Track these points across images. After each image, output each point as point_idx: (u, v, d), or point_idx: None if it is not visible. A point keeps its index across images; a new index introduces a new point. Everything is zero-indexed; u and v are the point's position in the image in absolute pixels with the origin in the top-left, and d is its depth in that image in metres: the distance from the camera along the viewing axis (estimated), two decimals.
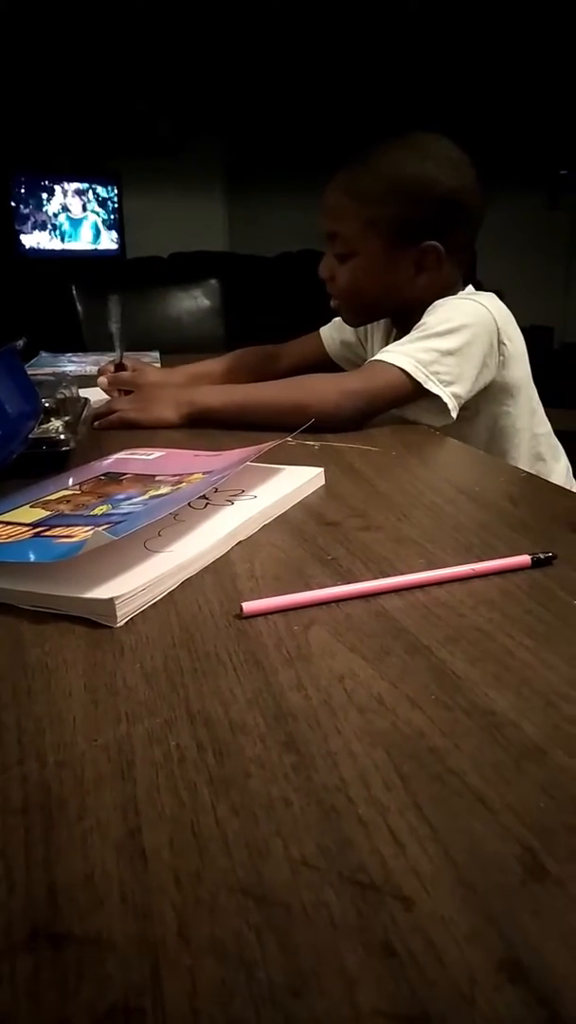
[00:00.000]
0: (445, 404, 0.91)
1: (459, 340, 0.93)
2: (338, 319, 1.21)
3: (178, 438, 0.90)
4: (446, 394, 0.91)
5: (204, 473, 0.64)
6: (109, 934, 0.23)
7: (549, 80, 4.71)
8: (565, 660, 0.38)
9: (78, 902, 0.24)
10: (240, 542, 0.55)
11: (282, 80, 4.37)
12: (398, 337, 1.06)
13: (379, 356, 0.94)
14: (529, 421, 1.05)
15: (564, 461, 1.11)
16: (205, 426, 0.94)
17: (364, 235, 1.00)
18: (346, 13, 4.02)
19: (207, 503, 0.60)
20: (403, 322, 1.06)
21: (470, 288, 1.07)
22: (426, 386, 0.91)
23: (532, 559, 0.49)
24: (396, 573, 0.48)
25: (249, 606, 0.44)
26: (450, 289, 1.03)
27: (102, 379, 1.13)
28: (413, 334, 0.96)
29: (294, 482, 0.65)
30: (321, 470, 0.69)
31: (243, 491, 0.63)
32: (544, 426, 1.08)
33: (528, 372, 1.04)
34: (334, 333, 1.25)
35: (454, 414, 0.92)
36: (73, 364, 1.49)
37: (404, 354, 0.92)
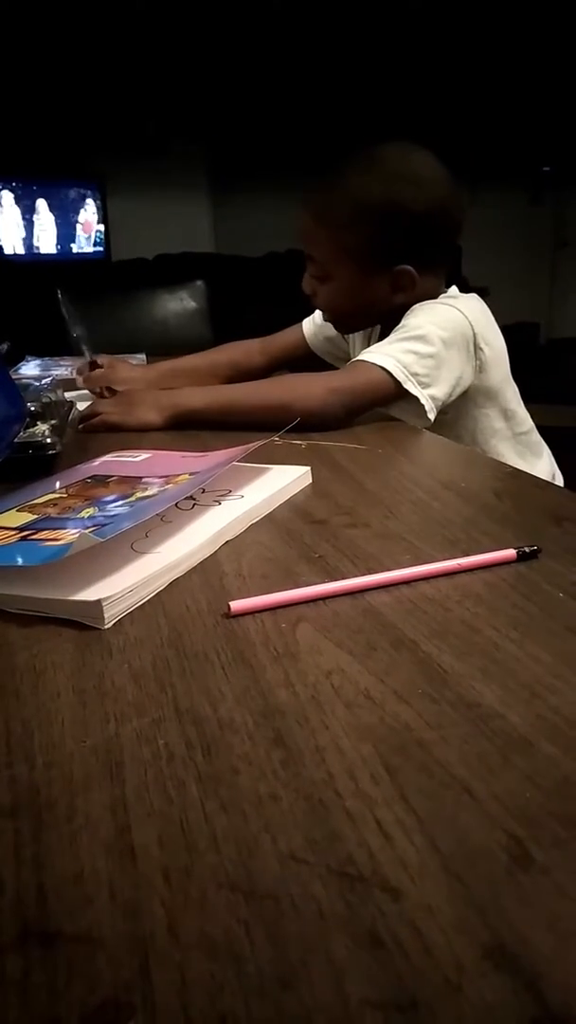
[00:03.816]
0: (423, 406, 0.92)
1: (436, 344, 0.94)
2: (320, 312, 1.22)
3: (165, 440, 0.90)
4: (424, 396, 0.92)
5: (191, 474, 0.64)
6: (99, 931, 0.23)
7: (531, 77, 4.73)
8: (550, 652, 0.38)
9: (68, 901, 0.24)
10: (227, 542, 0.55)
11: (266, 80, 4.38)
12: (380, 337, 1.06)
13: (362, 356, 0.94)
14: (509, 423, 1.05)
15: (546, 458, 1.12)
16: (191, 427, 0.95)
17: (337, 260, 1.00)
18: (331, 13, 4.02)
19: (194, 504, 0.60)
20: (386, 326, 1.06)
21: (453, 290, 1.08)
22: (405, 386, 0.91)
23: (517, 553, 0.49)
24: (383, 569, 0.48)
25: (237, 605, 0.44)
26: (430, 296, 1.03)
27: (78, 379, 1.15)
28: (393, 336, 0.97)
29: (281, 481, 0.66)
30: (308, 469, 0.69)
31: (230, 491, 0.63)
32: (524, 425, 1.08)
33: (507, 375, 1.05)
34: (316, 328, 1.25)
35: (431, 416, 0.93)
36: (59, 368, 1.49)
37: (386, 354, 0.93)
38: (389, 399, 0.94)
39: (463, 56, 4.56)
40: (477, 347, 0.98)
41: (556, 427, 1.35)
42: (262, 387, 1.00)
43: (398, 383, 0.91)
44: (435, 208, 0.97)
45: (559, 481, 1.13)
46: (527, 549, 0.49)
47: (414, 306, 1.00)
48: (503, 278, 5.19)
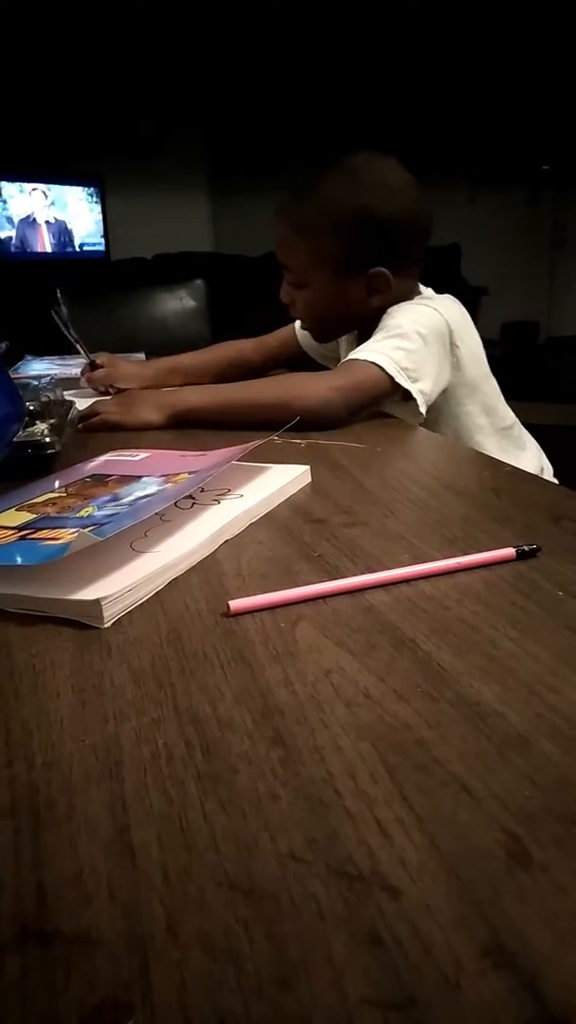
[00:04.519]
0: (415, 401, 0.94)
1: (417, 341, 0.96)
2: None
3: (164, 439, 0.90)
4: (415, 390, 0.94)
5: (190, 473, 0.64)
6: (98, 931, 0.23)
7: (530, 77, 4.73)
8: (549, 650, 0.38)
9: (67, 900, 0.25)
10: (227, 541, 0.55)
11: (265, 79, 4.37)
12: (359, 342, 1.08)
13: (353, 355, 0.96)
14: (490, 418, 1.07)
15: (532, 451, 1.14)
16: (190, 426, 0.95)
17: (312, 267, 1.03)
18: (331, 12, 4.02)
19: (193, 503, 0.60)
20: (364, 331, 1.09)
21: (428, 291, 1.10)
22: (398, 381, 0.93)
23: (516, 551, 0.49)
24: (382, 568, 0.48)
25: (236, 604, 0.44)
26: (406, 298, 1.05)
27: (82, 380, 1.18)
28: (378, 335, 0.98)
29: (280, 480, 0.66)
30: (307, 468, 0.69)
31: (229, 490, 0.63)
32: (507, 420, 1.10)
33: (486, 371, 1.07)
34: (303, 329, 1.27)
35: (423, 410, 0.95)
36: (58, 367, 1.49)
37: (377, 352, 0.94)
38: (385, 395, 0.96)
39: (463, 56, 4.56)
40: (453, 344, 1.00)
41: (555, 425, 1.36)
42: (262, 386, 1.01)
43: (392, 379, 0.93)
44: (404, 213, 1.00)
45: (548, 474, 1.15)
46: (526, 548, 0.49)
47: (392, 308, 1.02)
48: (502, 277, 5.20)
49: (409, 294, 1.06)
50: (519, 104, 4.95)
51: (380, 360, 0.93)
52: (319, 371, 1.00)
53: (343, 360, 0.98)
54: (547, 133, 5.19)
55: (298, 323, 1.27)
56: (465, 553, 0.49)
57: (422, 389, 0.95)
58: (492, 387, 1.08)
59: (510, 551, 0.49)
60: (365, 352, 0.95)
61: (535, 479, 0.73)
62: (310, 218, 1.01)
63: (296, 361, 1.28)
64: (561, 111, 4.93)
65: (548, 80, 4.75)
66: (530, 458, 1.13)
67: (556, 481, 1.16)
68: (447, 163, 5.46)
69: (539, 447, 1.15)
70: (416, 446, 0.87)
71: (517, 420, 1.12)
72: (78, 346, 1.20)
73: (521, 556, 0.49)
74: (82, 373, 1.22)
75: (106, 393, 1.16)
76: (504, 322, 5.44)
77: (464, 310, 1.06)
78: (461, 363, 1.01)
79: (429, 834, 0.26)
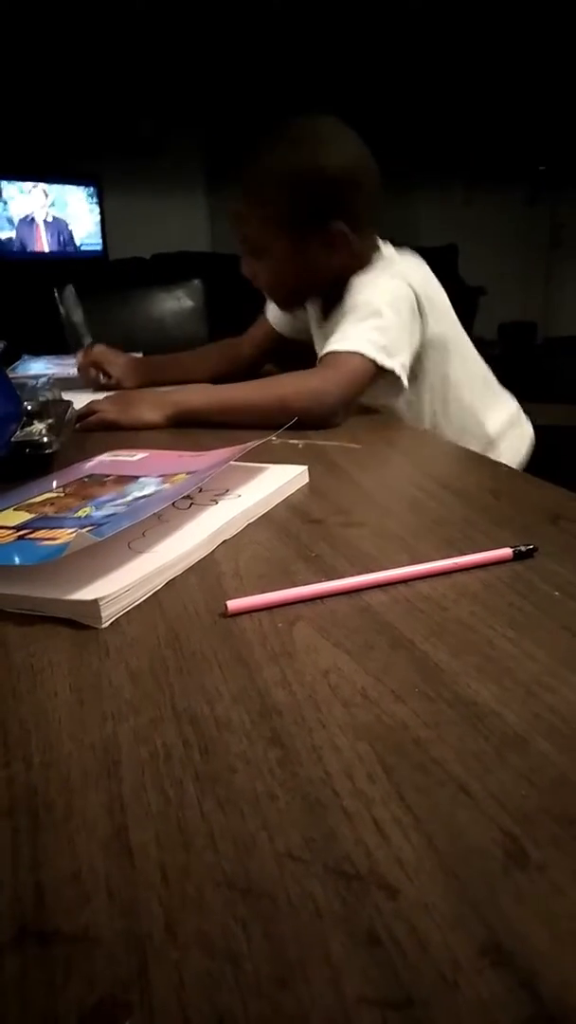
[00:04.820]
0: (397, 376, 0.96)
1: (388, 315, 0.98)
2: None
3: (162, 439, 0.90)
4: (396, 364, 0.96)
5: (188, 473, 0.64)
6: (96, 930, 0.23)
7: (528, 77, 4.73)
8: (546, 650, 0.39)
9: (65, 900, 0.25)
10: (225, 541, 0.55)
11: (264, 78, 4.37)
12: (323, 308, 1.12)
13: (332, 347, 0.97)
14: (466, 370, 1.11)
15: (507, 397, 1.19)
16: (188, 426, 0.95)
17: (268, 233, 1.04)
18: (330, 12, 4.02)
19: (191, 503, 0.60)
20: (328, 297, 1.11)
21: (387, 249, 1.11)
22: (380, 362, 0.95)
23: (514, 552, 0.49)
24: (379, 568, 0.48)
25: (234, 604, 0.44)
26: (368, 257, 1.07)
27: (77, 356, 1.22)
28: (351, 317, 1.00)
29: (278, 480, 0.66)
30: (305, 468, 0.69)
31: (227, 490, 0.63)
32: (482, 369, 1.15)
33: (455, 324, 1.10)
34: (277, 311, 1.30)
35: (406, 382, 0.98)
36: (56, 367, 1.49)
37: (354, 338, 0.96)
38: (371, 379, 0.98)
39: (461, 57, 4.57)
40: (421, 310, 1.03)
41: (554, 426, 1.36)
42: (259, 386, 1.02)
43: (375, 361, 0.95)
44: (349, 164, 1.01)
45: (528, 425, 1.20)
46: (523, 548, 0.49)
47: (354, 281, 1.04)
48: (500, 278, 5.20)
49: (369, 253, 1.08)
50: (516, 105, 4.96)
51: (361, 347, 0.95)
52: (308, 369, 1.01)
53: (323, 352, 0.99)
54: (544, 133, 5.20)
55: (266, 309, 1.31)
56: (462, 553, 0.49)
57: (403, 363, 0.98)
58: (464, 339, 1.12)
59: (507, 551, 0.49)
60: (344, 342, 0.96)
61: (532, 479, 0.73)
62: (256, 185, 1.02)
63: (282, 346, 1.31)
64: (558, 111, 4.94)
65: (545, 80, 4.75)
66: (509, 402, 1.18)
67: (532, 433, 1.20)
68: (444, 164, 5.47)
69: (516, 403, 1.21)
70: (413, 447, 0.87)
71: (490, 372, 1.17)
72: (78, 329, 1.23)
73: (518, 556, 0.49)
74: (77, 361, 1.26)
75: (97, 381, 1.18)
76: (501, 322, 5.45)
77: (425, 267, 1.09)
78: (431, 323, 1.04)
79: (427, 834, 0.27)
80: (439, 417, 1.12)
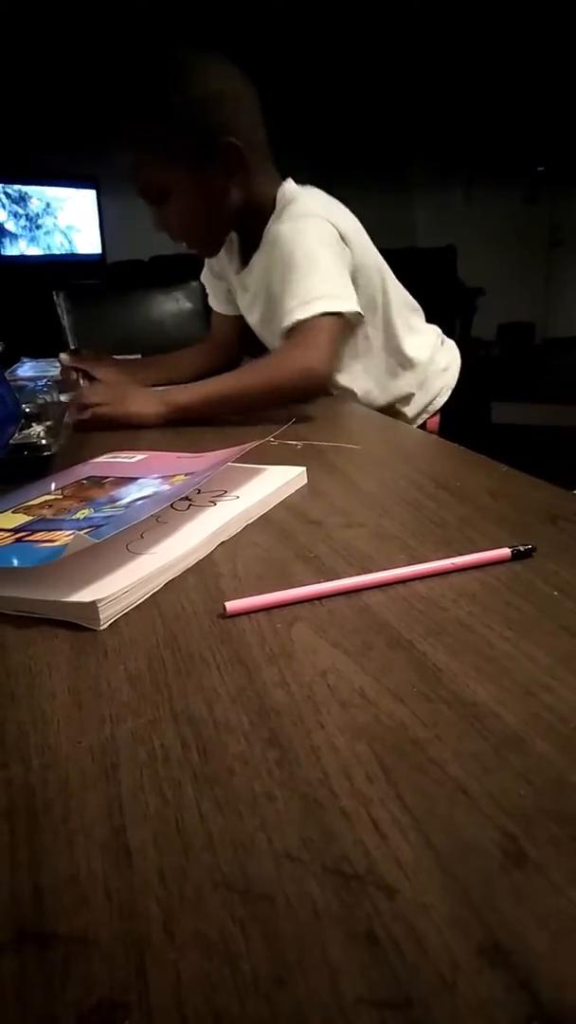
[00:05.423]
0: (355, 311, 1.00)
1: (324, 258, 1.01)
2: (207, 287, 1.33)
3: (160, 440, 0.90)
4: (351, 302, 1.00)
5: (187, 475, 0.64)
6: (95, 932, 0.23)
7: (527, 77, 4.74)
8: (544, 650, 0.39)
9: (63, 902, 0.25)
10: (223, 542, 0.55)
11: (262, 79, 4.37)
12: (240, 249, 1.14)
13: (296, 316, 0.99)
14: (396, 291, 1.16)
15: (433, 327, 1.26)
16: (183, 423, 0.95)
17: (164, 173, 1.05)
18: (330, 13, 4.02)
19: (190, 504, 0.60)
20: (245, 229, 1.13)
21: (288, 185, 1.11)
22: (342, 309, 0.98)
23: (512, 552, 0.49)
24: (378, 569, 0.48)
25: (232, 605, 0.44)
26: (268, 193, 1.08)
27: (62, 357, 1.24)
28: (291, 275, 1.01)
29: (276, 482, 0.66)
30: (303, 469, 0.69)
31: (226, 492, 0.63)
32: (405, 292, 1.20)
33: (373, 249, 1.14)
34: (214, 299, 1.34)
35: (358, 307, 1.01)
36: (55, 370, 1.49)
37: (307, 301, 0.98)
38: (341, 330, 1.01)
39: (460, 57, 4.57)
40: (342, 235, 1.05)
41: (552, 426, 1.36)
42: (246, 373, 1.03)
43: (338, 313, 0.98)
44: (220, 79, 1.03)
45: (450, 345, 1.26)
46: (522, 548, 0.49)
47: (273, 231, 1.06)
48: (499, 278, 5.20)
49: (270, 184, 1.09)
50: (515, 105, 4.96)
51: (322, 307, 0.97)
52: (286, 345, 1.02)
53: (288, 323, 1.00)
54: (543, 133, 5.20)
55: (210, 302, 1.34)
56: (461, 554, 0.49)
57: (355, 298, 1.01)
58: (382, 261, 1.15)
59: (506, 551, 0.49)
60: (304, 307, 0.98)
61: (530, 480, 0.73)
62: (139, 128, 1.03)
63: (244, 329, 1.32)
64: (557, 111, 4.94)
65: (544, 80, 4.76)
66: (432, 330, 1.24)
67: (459, 355, 1.25)
68: (443, 164, 5.47)
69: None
70: (412, 447, 0.87)
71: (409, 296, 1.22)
72: (67, 334, 1.25)
73: (517, 556, 0.49)
74: (61, 361, 1.28)
75: (78, 385, 1.20)
76: (501, 323, 5.45)
77: (324, 194, 1.12)
78: (350, 243, 1.07)
79: (425, 834, 0.27)
80: (377, 341, 1.16)
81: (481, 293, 4.73)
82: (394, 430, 0.92)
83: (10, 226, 4.07)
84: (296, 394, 0.86)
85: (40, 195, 4.19)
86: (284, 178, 1.12)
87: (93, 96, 4.24)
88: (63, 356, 1.26)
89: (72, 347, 1.26)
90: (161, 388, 1.14)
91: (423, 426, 1.24)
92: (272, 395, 0.89)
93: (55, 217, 4.27)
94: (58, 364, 1.46)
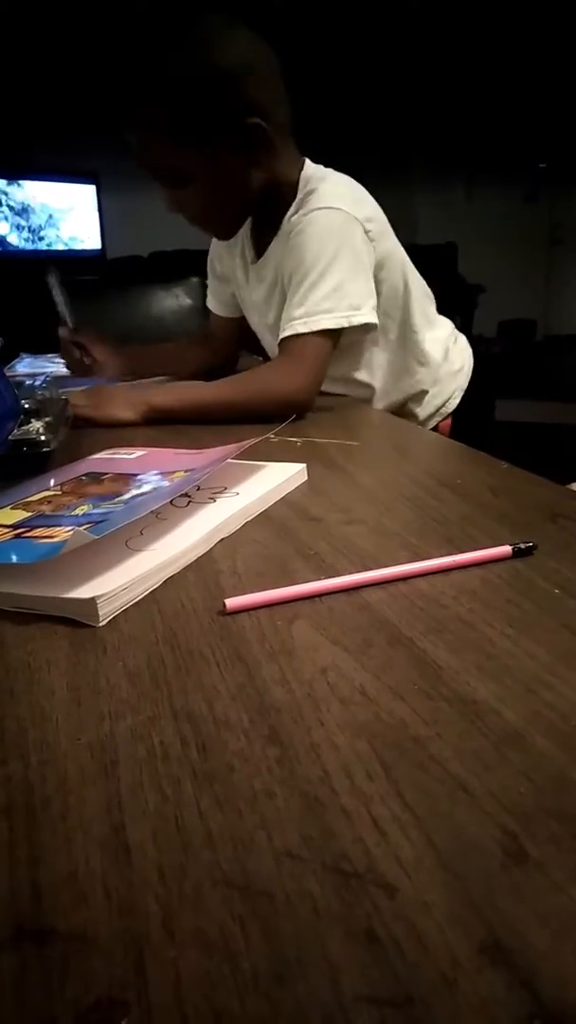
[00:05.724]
0: (370, 323, 0.98)
1: (343, 264, 0.96)
2: (208, 287, 1.30)
3: (159, 437, 0.90)
4: (368, 316, 0.97)
5: (186, 471, 0.64)
6: (93, 929, 0.23)
7: (528, 74, 4.73)
8: (545, 648, 0.38)
9: (62, 899, 0.24)
10: (223, 539, 0.55)
11: None
12: (253, 234, 1.09)
13: (295, 329, 0.96)
14: (415, 281, 1.13)
15: (448, 320, 1.23)
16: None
17: (182, 155, 0.97)
18: (331, 11, 4.01)
19: (189, 501, 0.60)
20: (263, 213, 1.08)
21: (309, 166, 1.06)
22: (350, 324, 0.96)
23: (513, 549, 0.49)
24: (378, 566, 0.48)
25: (232, 602, 0.44)
26: (293, 166, 1.03)
27: (62, 331, 1.24)
28: (303, 283, 0.97)
29: (276, 478, 0.66)
30: (303, 466, 0.69)
31: (225, 488, 0.63)
32: (424, 284, 1.16)
33: (394, 238, 1.10)
34: (214, 301, 1.31)
35: (376, 319, 0.99)
36: (54, 365, 1.49)
37: (312, 315, 0.95)
38: (337, 345, 0.99)
39: (461, 55, 4.56)
40: (365, 228, 1.00)
41: (553, 424, 1.36)
42: (231, 384, 1.02)
43: (339, 331, 0.96)
44: (242, 53, 0.95)
45: (463, 343, 1.23)
46: (522, 545, 0.49)
47: (293, 227, 1.00)
48: (500, 275, 5.20)
49: (292, 166, 1.03)
50: (516, 102, 4.95)
51: (319, 324, 0.94)
52: (270, 362, 1.01)
53: (285, 334, 0.97)
54: (544, 131, 5.19)
55: (208, 303, 1.32)
56: (461, 551, 0.49)
57: (373, 306, 0.98)
58: (403, 253, 1.12)
59: (506, 549, 0.49)
60: (301, 324, 0.95)
61: (531, 477, 0.73)
62: (157, 113, 0.95)
63: (242, 324, 1.30)
64: (558, 109, 4.93)
65: (545, 78, 4.75)
66: (448, 324, 1.21)
67: (471, 353, 1.24)
68: (444, 161, 5.46)
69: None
70: (413, 444, 0.87)
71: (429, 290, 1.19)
72: (63, 309, 1.26)
73: (517, 554, 0.49)
74: (61, 335, 1.28)
75: (80, 361, 1.20)
76: (501, 320, 5.45)
77: (353, 182, 1.06)
78: (376, 235, 1.03)
79: (425, 831, 0.26)
80: (397, 332, 1.13)
81: (482, 290, 4.72)
82: (394, 427, 0.92)
83: (9, 222, 4.06)
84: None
85: (40, 191, 4.18)
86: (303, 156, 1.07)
87: (93, 91, 4.23)
88: (62, 330, 1.26)
89: (70, 326, 1.26)
90: (157, 380, 1.14)
91: (435, 429, 1.22)
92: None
93: (54, 213, 4.26)
94: (57, 360, 1.46)
